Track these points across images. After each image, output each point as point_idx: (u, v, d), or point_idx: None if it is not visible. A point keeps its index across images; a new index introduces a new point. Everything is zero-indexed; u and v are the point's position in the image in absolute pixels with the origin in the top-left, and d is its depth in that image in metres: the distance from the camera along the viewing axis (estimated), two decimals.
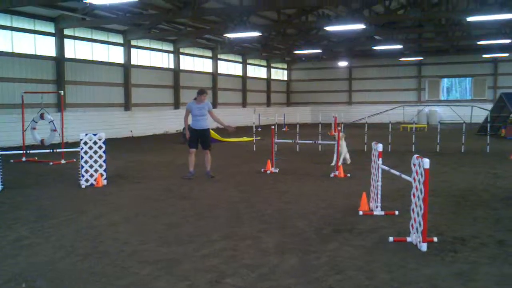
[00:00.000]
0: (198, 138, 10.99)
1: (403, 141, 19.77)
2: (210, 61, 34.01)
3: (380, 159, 7.18)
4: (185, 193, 9.38)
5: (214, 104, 34.00)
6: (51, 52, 22.13)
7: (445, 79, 40.86)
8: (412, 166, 5.88)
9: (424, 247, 5.59)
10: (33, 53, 21.34)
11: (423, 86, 40.70)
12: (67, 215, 7.50)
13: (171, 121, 27.24)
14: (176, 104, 29.98)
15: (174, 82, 30.05)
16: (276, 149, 12.54)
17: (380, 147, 7.23)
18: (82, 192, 9.56)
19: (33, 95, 16.87)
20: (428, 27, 27.28)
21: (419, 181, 5.70)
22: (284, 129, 29.04)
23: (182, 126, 15.18)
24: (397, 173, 6.67)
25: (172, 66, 30.16)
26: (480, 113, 31.62)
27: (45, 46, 21.88)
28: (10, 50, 20.31)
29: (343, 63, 40.59)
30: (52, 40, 22.08)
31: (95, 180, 10.15)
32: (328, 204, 8.27)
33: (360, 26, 21.94)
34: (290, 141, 15.16)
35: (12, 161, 14.05)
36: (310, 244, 5.91)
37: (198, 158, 11.27)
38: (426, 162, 5.51)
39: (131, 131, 25.18)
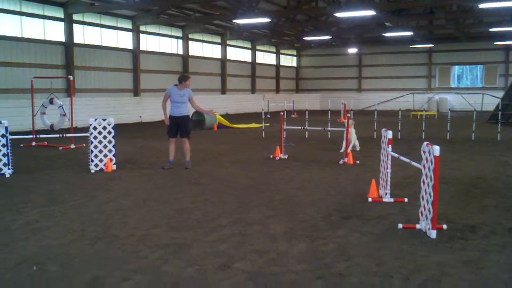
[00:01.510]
0: (177, 125, 10.50)
1: (413, 128, 19.69)
2: (219, 47, 33.87)
3: (390, 146, 7.14)
4: (194, 178, 9.40)
5: (223, 90, 33.98)
6: (60, 37, 22.15)
7: (456, 67, 40.44)
8: (422, 153, 5.83)
9: (433, 234, 5.57)
10: (42, 38, 21.36)
11: (433, 74, 40.35)
12: (76, 200, 7.55)
13: None
14: None
15: (183, 68, 29.98)
16: (285, 136, 12.51)
17: (390, 134, 7.19)
18: (91, 176, 9.61)
19: (42, 80, 16.91)
20: (439, 14, 26.92)
21: (429, 168, 5.66)
22: (293, 116, 28.96)
23: (192, 111, 14.75)
24: (407, 160, 6.64)
25: (181, 52, 30.09)
26: (491, 101, 31.34)
27: (54, 31, 21.89)
28: (19, 35, 20.34)
29: (353, 50, 40.26)
30: (61, 25, 22.08)
31: (104, 165, 10.19)
32: (337, 190, 8.26)
33: (370, 13, 21.72)
34: (299, 127, 15.11)
35: (22, 145, 14.16)
36: (318, 231, 5.90)
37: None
38: (436, 149, 5.47)
39: (140, 117, 25.24)
